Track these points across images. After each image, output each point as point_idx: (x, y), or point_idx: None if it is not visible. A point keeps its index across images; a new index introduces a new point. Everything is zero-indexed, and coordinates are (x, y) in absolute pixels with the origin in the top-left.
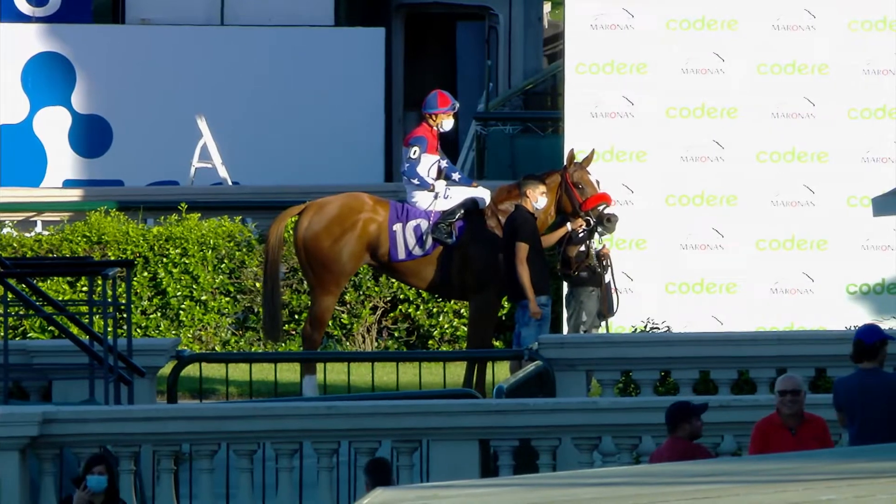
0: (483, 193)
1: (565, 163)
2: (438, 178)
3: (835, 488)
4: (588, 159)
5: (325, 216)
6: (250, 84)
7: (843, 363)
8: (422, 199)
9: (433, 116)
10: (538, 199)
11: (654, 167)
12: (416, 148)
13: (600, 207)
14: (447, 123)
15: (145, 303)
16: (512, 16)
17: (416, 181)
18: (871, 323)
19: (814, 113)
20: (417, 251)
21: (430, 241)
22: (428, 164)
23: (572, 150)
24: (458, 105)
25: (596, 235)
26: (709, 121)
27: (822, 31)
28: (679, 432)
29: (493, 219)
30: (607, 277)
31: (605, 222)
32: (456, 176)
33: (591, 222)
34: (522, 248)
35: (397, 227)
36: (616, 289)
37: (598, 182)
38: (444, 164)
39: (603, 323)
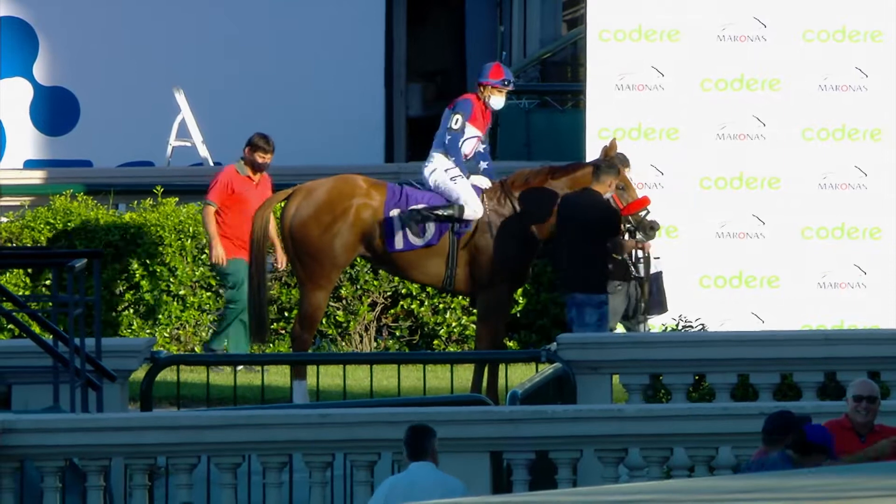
0: (482, 182)
1: (603, 156)
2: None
3: None
4: (611, 147)
5: (313, 202)
6: (233, 53)
7: None
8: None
9: (482, 87)
10: (607, 192)
11: (687, 146)
12: (458, 116)
13: (642, 213)
14: (496, 101)
15: (116, 298)
16: None
17: (452, 159)
18: None
19: (866, 85)
20: (417, 241)
21: (432, 230)
22: (468, 136)
23: (613, 140)
24: (511, 83)
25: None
26: (748, 94)
27: None
28: (772, 447)
29: (506, 206)
30: (651, 270)
31: (648, 230)
32: (483, 164)
33: (630, 228)
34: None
35: (395, 213)
36: (651, 286)
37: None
38: (482, 147)
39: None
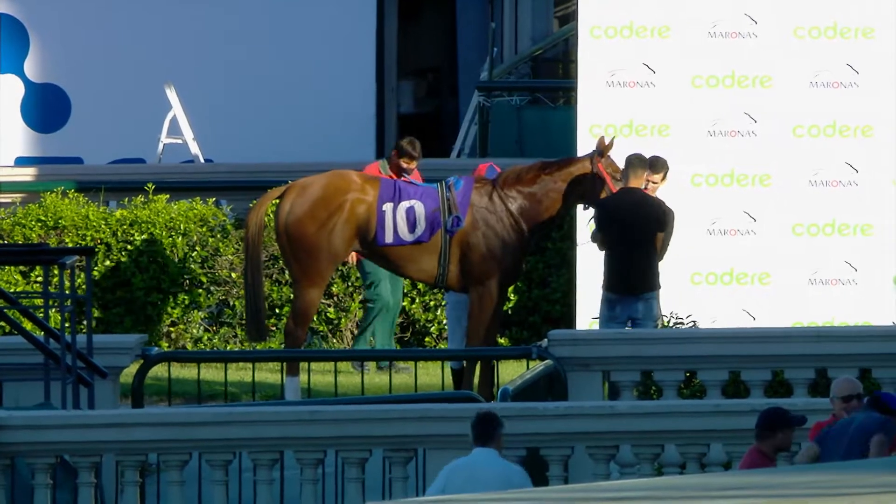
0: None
1: (599, 150)
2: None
3: (883, 503)
4: (609, 146)
5: (308, 198)
6: (225, 50)
7: (890, 363)
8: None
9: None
10: (641, 185)
11: (678, 143)
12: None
13: None
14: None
15: (107, 295)
16: None
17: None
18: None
19: (857, 82)
20: (408, 236)
21: (423, 227)
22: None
23: (602, 137)
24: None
25: None
26: (739, 91)
27: None
28: (764, 443)
29: (497, 202)
30: None
31: None
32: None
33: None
34: (661, 238)
35: (387, 206)
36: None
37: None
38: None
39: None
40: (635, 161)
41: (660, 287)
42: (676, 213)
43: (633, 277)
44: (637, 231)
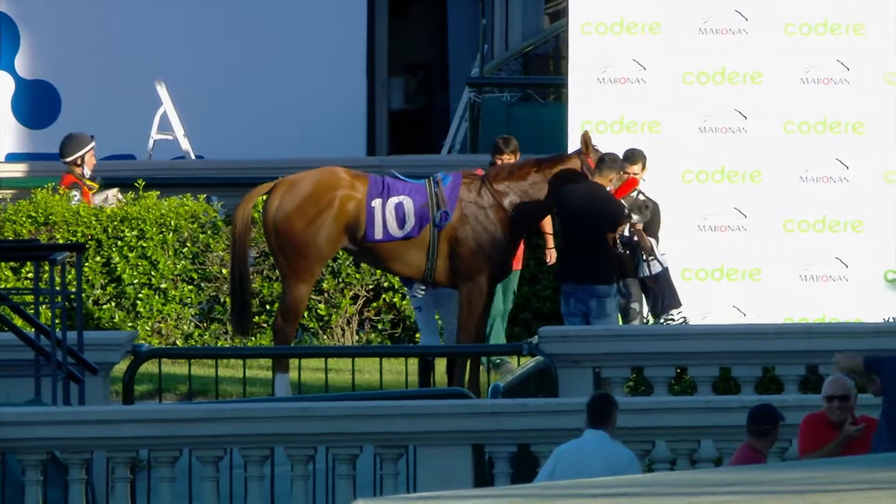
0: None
1: (583, 146)
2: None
3: (874, 499)
4: (589, 141)
5: (297, 195)
6: (216, 46)
7: None
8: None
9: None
10: (608, 185)
11: (669, 139)
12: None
13: (633, 194)
14: None
15: (98, 291)
16: None
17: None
18: None
19: (848, 78)
20: (397, 232)
21: (412, 222)
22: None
23: (586, 132)
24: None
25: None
26: (730, 87)
27: None
28: (760, 440)
29: (486, 198)
30: (654, 267)
31: (644, 209)
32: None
33: (626, 212)
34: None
35: (376, 202)
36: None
37: None
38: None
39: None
40: (607, 160)
41: (613, 283)
42: (665, 208)
43: (577, 267)
44: (583, 225)
